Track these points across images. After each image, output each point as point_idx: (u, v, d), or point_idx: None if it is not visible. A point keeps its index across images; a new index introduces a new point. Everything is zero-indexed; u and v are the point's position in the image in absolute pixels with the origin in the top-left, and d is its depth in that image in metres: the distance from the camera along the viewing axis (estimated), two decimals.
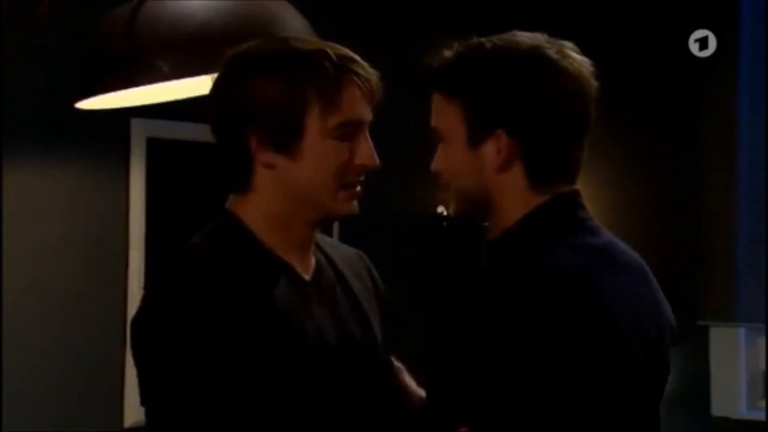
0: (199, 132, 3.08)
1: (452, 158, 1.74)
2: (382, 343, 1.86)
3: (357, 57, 1.75)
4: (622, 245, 1.75)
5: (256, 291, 1.69)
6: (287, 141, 1.71)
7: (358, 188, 1.76)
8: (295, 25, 2.12)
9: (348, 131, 1.72)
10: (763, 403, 4.17)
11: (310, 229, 1.78)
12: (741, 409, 4.09)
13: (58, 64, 2.83)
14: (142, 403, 1.68)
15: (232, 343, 1.62)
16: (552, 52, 1.69)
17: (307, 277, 1.78)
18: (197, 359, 1.60)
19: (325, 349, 1.73)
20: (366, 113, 1.75)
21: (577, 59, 1.71)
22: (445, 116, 1.74)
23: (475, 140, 1.71)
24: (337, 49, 1.73)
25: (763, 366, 4.15)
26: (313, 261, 1.81)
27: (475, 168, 1.71)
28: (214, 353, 1.61)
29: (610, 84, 1.80)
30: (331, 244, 1.92)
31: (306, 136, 1.71)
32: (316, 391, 1.70)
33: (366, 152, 1.74)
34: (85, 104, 2.16)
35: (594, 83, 1.72)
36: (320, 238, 1.84)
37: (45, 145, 2.84)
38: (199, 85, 2.23)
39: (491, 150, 1.69)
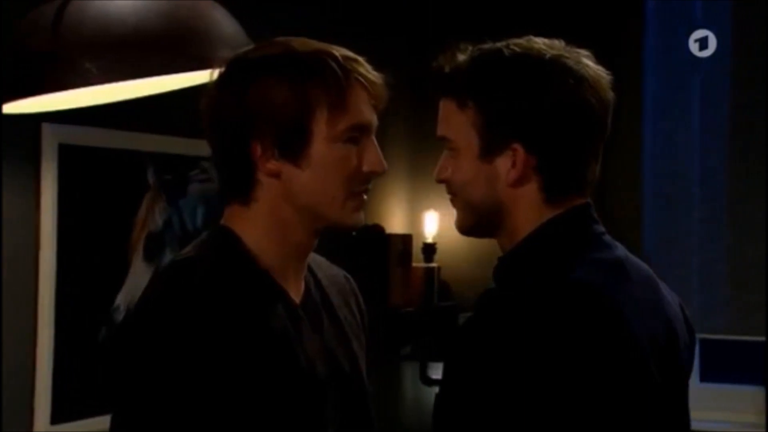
0: (113, 138, 3.02)
1: (462, 169, 1.67)
2: (366, 376, 1.81)
3: (361, 59, 1.68)
4: (635, 259, 1.70)
5: (248, 314, 1.62)
6: (293, 147, 1.63)
7: (365, 197, 1.70)
8: (227, 27, 2.05)
9: (355, 136, 1.66)
10: None
11: (310, 240, 1.71)
12: None
13: None
14: (113, 420, 1.59)
15: (219, 369, 1.55)
16: (572, 62, 1.64)
17: (297, 301, 1.71)
18: (179, 385, 1.53)
19: (315, 380, 1.67)
20: (373, 117, 1.69)
21: (594, 68, 1.66)
22: (456, 125, 1.67)
23: (488, 152, 1.65)
24: (341, 51, 1.67)
25: None
26: (302, 283, 1.74)
27: (487, 181, 1.65)
28: (199, 379, 1.53)
29: None
30: (319, 263, 1.84)
31: (313, 141, 1.64)
32: (304, 423, 1.64)
33: (374, 158, 1.68)
34: (4, 108, 2.06)
35: (611, 93, 1.67)
36: (310, 255, 1.77)
37: None
38: (126, 90, 2.15)
39: (506, 163, 1.64)
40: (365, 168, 1.67)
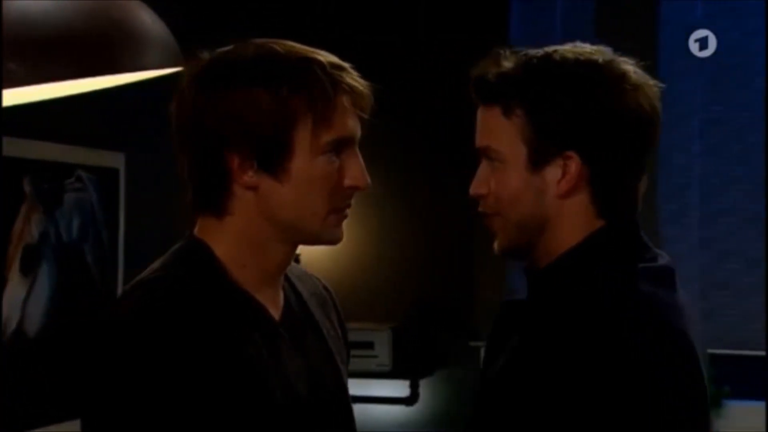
0: None
1: (508, 182, 1.60)
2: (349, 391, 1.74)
3: (348, 66, 1.59)
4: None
5: (222, 340, 1.53)
6: (273, 160, 1.54)
7: (347, 212, 1.61)
8: (155, 28, 1.95)
9: (339, 149, 1.57)
10: None
11: (288, 254, 1.62)
12: None
13: None
14: None
15: (188, 398, 1.47)
16: (624, 68, 1.60)
17: (276, 316, 1.62)
18: (142, 416, 1.44)
19: (294, 406, 1.58)
20: (357, 129, 1.60)
21: (642, 75, 1.62)
22: (502, 134, 1.60)
23: (538, 161, 1.58)
24: (328, 57, 1.57)
25: None
26: (281, 296, 1.65)
27: (536, 193, 1.59)
28: (164, 410, 1.45)
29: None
30: (298, 274, 1.75)
31: (295, 154, 1.54)
32: None
33: (357, 172, 1.59)
34: None
35: (659, 102, 1.63)
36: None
37: None
38: (48, 91, 2.03)
39: (555, 173, 1.58)
40: (347, 182, 1.59)
